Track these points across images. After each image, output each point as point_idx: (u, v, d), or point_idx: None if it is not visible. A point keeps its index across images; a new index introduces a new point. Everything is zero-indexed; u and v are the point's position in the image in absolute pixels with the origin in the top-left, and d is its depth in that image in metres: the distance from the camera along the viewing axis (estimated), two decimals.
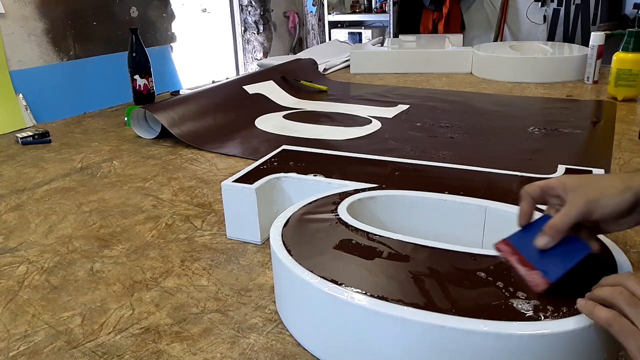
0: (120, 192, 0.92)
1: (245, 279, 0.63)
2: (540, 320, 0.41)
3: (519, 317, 0.41)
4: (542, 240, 0.47)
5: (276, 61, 1.87)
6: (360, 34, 3.85)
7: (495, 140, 1.13)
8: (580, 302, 0.40)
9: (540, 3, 3.42)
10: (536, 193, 0.50)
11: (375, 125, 1.25)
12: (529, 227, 0.51)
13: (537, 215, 0.51)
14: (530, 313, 0.42)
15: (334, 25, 3.97)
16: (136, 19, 2.62)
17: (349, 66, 2.00)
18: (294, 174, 0.73)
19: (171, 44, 2.83)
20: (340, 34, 3.83)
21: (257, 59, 3.49)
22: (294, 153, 0.83)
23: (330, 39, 3.84)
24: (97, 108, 1.55)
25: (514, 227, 0.60)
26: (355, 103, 1.47)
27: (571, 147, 1.08)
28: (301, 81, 1.62)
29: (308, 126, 1.25)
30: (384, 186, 0.68)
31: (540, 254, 0.47)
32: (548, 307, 0.42)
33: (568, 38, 3.35)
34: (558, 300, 0.43)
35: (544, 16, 3.43)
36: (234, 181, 0.71)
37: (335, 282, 0.46)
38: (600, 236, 0.53)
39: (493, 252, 0.50)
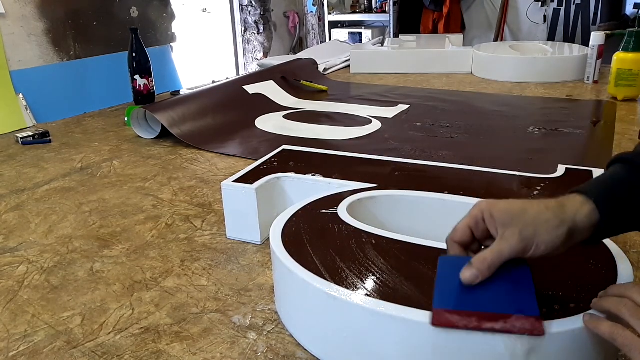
0: (120, 192, 0.92)
1: (245, 279, 0.63)
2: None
3: None
4: (469, 274, 0.42)
5: (276, 61, 1.87)
6: (360, 34, 3.84)
7: (495, 140, 1.13)
8: (586, 318, 0.41)
9: (540, 3, 3.41)
10: (465, 237, 0.45)
11: (376, 125, 1.25)
12: (444, 283, 0.43)
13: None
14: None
15: (334, 25, 3.97)
16: (136, 19, 2.62)
17: (349, 66, 1.99)
18: (293, 174, 0.73)
19: (171, 44, 2.83)
20: (341, 34, 3.82)
21: (257, 59, 3.49)
22: (294, 153, 0.83)
23: (330, 39, 3.84)
24: (97, 108, 1.55)
25: None
26: (355, 103, 1.47)
27: (571, 147, 1.08)
28: (301, 81, 1.62)
29: (308, 126, 1.25)
30: (384, 186, 0.68)
31: (495, 298, 0.41)
32: (548, 307, 0.42)
33: (568, 38, 3.35)
34: (557, 300, 0.43)
35: (544, 16, 3.43)
36: (234, 181, 0.71)
37: (335, 282, 0.46)
38: None
39: None
